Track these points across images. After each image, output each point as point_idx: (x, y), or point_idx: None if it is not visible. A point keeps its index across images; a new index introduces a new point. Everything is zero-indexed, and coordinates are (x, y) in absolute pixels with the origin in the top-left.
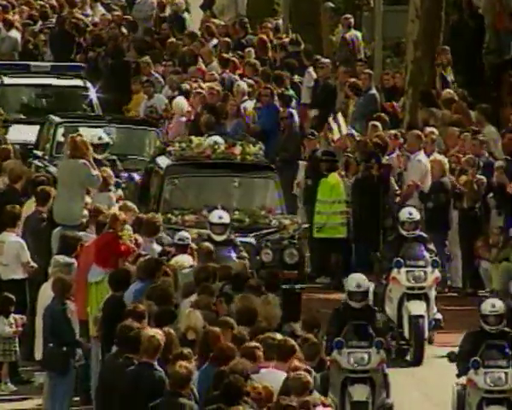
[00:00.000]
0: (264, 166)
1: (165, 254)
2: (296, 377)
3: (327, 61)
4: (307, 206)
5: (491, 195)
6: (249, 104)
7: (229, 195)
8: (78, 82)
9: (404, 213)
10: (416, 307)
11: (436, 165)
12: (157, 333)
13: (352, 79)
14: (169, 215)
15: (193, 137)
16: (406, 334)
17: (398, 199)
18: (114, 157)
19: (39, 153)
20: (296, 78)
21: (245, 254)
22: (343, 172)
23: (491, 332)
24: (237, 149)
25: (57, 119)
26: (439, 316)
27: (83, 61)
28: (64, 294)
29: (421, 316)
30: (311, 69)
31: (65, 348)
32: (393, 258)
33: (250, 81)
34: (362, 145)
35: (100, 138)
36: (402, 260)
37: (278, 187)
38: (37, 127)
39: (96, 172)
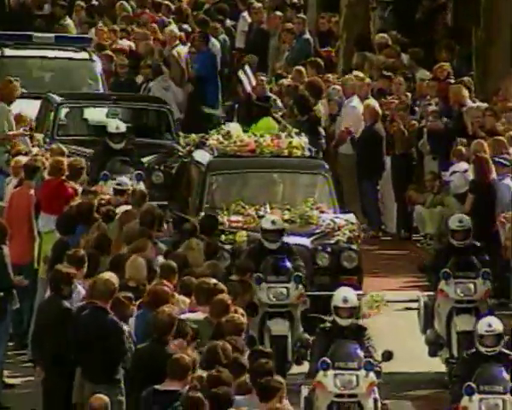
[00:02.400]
0: (314, 161)
1: (105, 204)
2: (230, 320)
3: (260, 5)
4: None
5: (424, 139)
6: (181, 49)
7: (278, 192)
8: (84, 55)
9: (454, 222)
10: (465, 323)
11: (368, 110)
12: (112, 277)
13: (288, 24)
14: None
15: (231, 130)
16: (455, 352)
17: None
18: (132, 147)
19: (39, 135)
20: (228, 22)
21: (301, 262)
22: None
23: (488, 354)
24: (283, 142)
25: (59, 98)
26: None
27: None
28: (1, 238)
29: (470, 332)
30: (245, 13)
31: (2, 294)
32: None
33: (185, 26)
34: (292, 90)
35: (117, 128)
36: (450, 272)
37: (330, 183)
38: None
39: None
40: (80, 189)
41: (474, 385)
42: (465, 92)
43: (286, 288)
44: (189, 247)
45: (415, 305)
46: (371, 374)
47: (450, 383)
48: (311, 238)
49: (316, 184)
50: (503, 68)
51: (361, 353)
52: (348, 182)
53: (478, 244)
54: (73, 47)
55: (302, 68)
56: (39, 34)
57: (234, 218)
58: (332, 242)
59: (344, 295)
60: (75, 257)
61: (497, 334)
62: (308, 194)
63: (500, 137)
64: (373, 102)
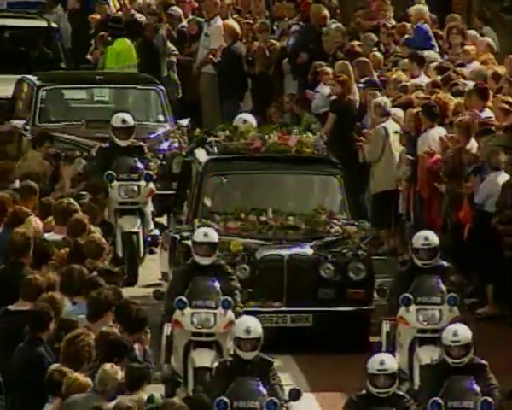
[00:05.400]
0: (325, 161)
1: None
2: (91, 240)
3: None
4: None
5: (286, 60)
6: None
7: (283, 196)
8: (41, 22)
9: (419, 239)
10: (428, 355)
11: (228, 30)
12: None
13: None
14: (210, 221)
15: (238, 123)
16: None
17: None
18: (141, 143)
19: (19, 122)
20: None
21: (237, 284)
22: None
23: (380, 396)
24: (293, 140)
25: (37, 81)
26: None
27: None
28: None
29: None
30: None
31: None
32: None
33: None
34: (147, 11)
35: (124, 121)
36: (411, 296)
37: (342, 185)
38: None
39: None
40: None
41: None
42: (325, 12)
43: (213, 314)
44: (25, 158)
45: None
46: None
47: None
48: (315, 247)
49: (326, 185)
50: None
51: (264, 391)
52: (210, 102)
53: (446, 265)
54: (29, 14)
55: None
56: None
57: (231, 224)
58: (338, 251)
59: (247, 324)
60: None
61: (391, 373)
62: (317, 197)
63: (365, 59)
64: (232, 21)
